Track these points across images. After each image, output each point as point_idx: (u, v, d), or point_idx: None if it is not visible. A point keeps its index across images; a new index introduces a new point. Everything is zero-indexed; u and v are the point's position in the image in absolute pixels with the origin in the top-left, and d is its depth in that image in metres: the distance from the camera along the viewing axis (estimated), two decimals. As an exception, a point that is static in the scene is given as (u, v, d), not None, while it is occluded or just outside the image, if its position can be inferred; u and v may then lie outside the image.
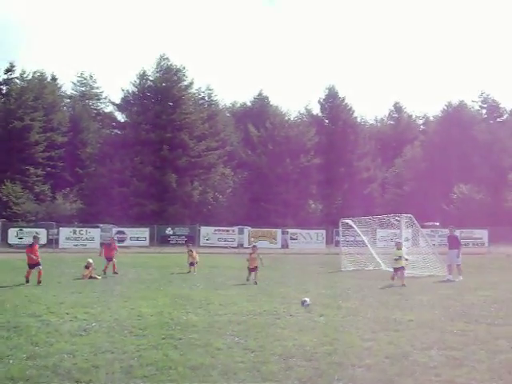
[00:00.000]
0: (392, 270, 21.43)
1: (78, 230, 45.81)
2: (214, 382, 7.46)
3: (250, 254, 22.11)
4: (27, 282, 19.66)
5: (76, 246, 43.38)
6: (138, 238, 45.45)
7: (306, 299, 14.34)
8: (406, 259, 21.96)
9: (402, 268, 20.90)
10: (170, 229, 48.41)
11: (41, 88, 66.42)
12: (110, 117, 73.07)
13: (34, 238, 22.66)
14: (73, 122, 67.61)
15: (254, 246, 23.35)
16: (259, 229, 48.62)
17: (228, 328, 11.24)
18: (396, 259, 21.14)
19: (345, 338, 10.37)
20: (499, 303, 15.14)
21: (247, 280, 20.95)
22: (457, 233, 25.27)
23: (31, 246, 21.08)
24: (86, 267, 22.15)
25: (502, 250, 43.19)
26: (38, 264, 20.17)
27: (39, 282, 19.45)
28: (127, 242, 45.09)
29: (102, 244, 22.44)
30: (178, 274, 23.81)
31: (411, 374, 7.84)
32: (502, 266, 29.66)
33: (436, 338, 10.31)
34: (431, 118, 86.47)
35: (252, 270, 21.38)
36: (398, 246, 21.67)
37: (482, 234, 49.12)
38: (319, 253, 42.39)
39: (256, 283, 20.21)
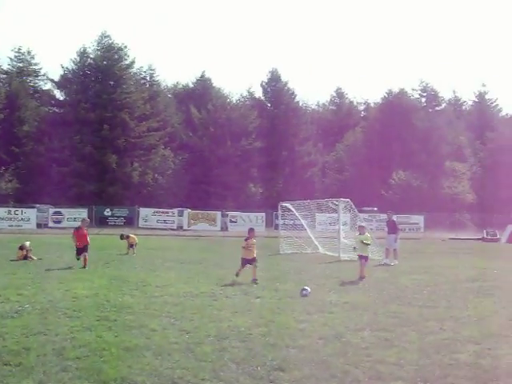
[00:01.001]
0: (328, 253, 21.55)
1: (13, 210, 44.74)
2: (148, 363, 7.42)
3: (246, 239, 16.99)
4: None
5: (11, 226, 42.41)
6: (75, 219, 44.54)
7: (307, 288, 13.65)
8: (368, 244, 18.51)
9: (366, 257, 17.96)
10: (108, 210, 47.81)
11: (-25, 63, 64.28)
12: (48, 94, 71.09)
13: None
14: (9, 98, 65.39)
15: (251, 229, 17.96)
16: (199, 211, 48.52)
17: (164, 309, 11.20)
18: (359, 246, 18.23)
19: (280, 319, 10.47)
20: (432, 286, 15.57)
21: (236, 276, 16.19)
22: (395, 218, 25.71)
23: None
24: (20, 248, 21.68)
25: (438, 235, 44.48)
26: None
27: None
28: (64, 223, 44.30)
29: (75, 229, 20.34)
30: (116, 256, 23.55)
31: (344, 355, 7.99)
32: (437, 251, 30.48)
33: (369, 320, 10.53)
34: (372, 105, 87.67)
35: (248, 261, 16.52)
36: (362, 231, 18.81)
37: (419, 219, 50.39)
38: (258, 236, 42.11)
39: (256, 282, 15.54)
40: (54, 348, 8.07)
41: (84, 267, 18.44)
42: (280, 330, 9.56)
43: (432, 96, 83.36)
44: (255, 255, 16.71)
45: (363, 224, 20.85)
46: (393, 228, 24.07)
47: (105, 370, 7.02)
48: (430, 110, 79.55)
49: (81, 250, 19.25)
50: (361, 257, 17.85)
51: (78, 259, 19.07)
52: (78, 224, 21.84)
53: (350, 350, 8.24)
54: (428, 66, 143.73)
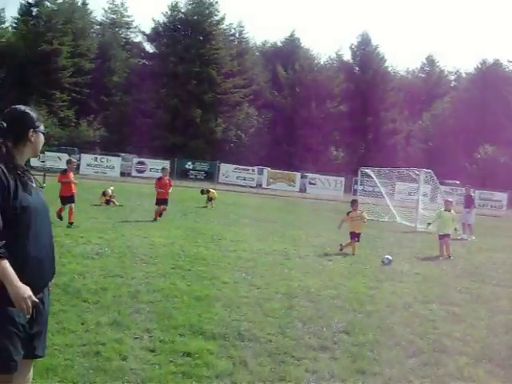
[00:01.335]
0: (406, 223, 21.14)
1: (99, 157, 46.26)
2: (217, 313, 7.67)
3: (349, 213, 15.83)
4: (60, 219, 15.82)
5: (96, 173, 43.88)
6: (157, 170, 45.56)
7: (389, 257, 13.43)
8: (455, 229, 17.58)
9: (447, 236, 16.28)
10: (190, 163, 48.73)
11: (71, 12, 65.57)
12: (138, 47, 72.48)
13: (69, 162, 17.59)
14: (101, 49, 67.07)
15: (355, 200, 16.64)
16: (279, 171, 48.70)
17: (236, 264, 11.46)
18: (442, 222, 16.76)
19: (350, 284, 10.53)
20: (508, 266, 15.19)
21: (341, 250, 14.77)
22: (472, 193, 25.08)
23: (65, 172, 16.81)
24: (103, 194, 22.52)
25: (521, 214, 43.07)
26: (71, 197, 16.27)
27: (71, 223, 15.43)
28: (147, 173, 45.52)
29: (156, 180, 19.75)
30: (194, 208, 24.08)
31: (410, 325, 7.98)
32: (518, 230, 29.56)
33: (439, 293, 10.43)
34: (463, 75, 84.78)
35: (355, 235, 15.21)
36: (447, 207, 17.06)
37: (502, 197, 48.90)
38: (336, 200, 42.51)
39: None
40: (129, 290, 8.44)
41: (159, 217, 18.51)
42: (349, 294, 9.63)
43: (528, 69, 79.72)
44: (360, 231, 15.46)
45: (450, 199, 19.14)
46: (469, 203, 23.57)
47: (175, 316, 7.31)
48: (525, 85, 76.19)
49: (160, 201, 18.90)
50: (445, 235, 16.16)
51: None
52: (159, 174, 21.65)
53: (416, 321, 8.23)
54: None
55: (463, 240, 21.51)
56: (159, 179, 19.65)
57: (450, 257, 15.56)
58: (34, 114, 3.74)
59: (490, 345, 7.39)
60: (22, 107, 3.76)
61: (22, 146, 3.65)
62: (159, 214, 18.81)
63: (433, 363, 6.47)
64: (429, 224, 17.95)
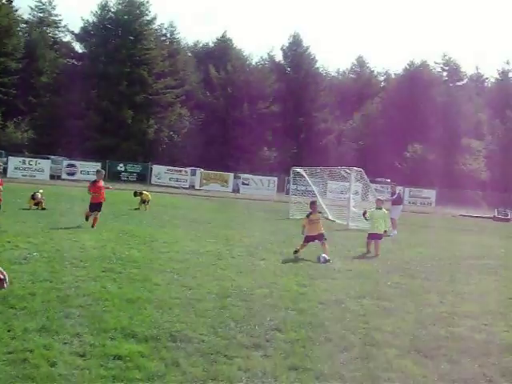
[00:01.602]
0: (338, 221, 21.40)
1: (27, 160, 44.95)
2: (149, 315, 7.58)
3: (309, 215, 15.10)
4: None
5: (25, 176, 42.61)
6: (88, 172, 44.77)
7: (325, 256, 13.55)
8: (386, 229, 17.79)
9: (378, 236, 16.33)
10: (122, 165, 48.02)
11: (-5, 10, 63.60)
12: (67, 46, 70.86)
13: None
14: (28, 48, 65.21)
15: (313, 202, 16.06)
16: (212, 171, 48.61)
17: (168, 265, 11.37)
18: (372, 221, 16.83)
19: (282, 282, 10.61)
20: (436, 261, 15.60)
21: (295, 253, 14.19)
22: (399, 190, 25.71)
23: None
24: (32, 197, 21.91)
25: (449, 211, 44.33)
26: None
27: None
28: (77, 176, 44.62)
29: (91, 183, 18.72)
30: (127, 211, 23.77)
31: (341, 320, 8.11)
32: (446, 226, 30.42)
33: (370, 289, 10.63)
34: (393, 76, 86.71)
35: (314, 238, 14.65)
36: (379, 205, 17.39)
37: (431, 194, 50.26)
38: (270, 199, 42.84)
39: (327, 261, 13.53)
40: (58, 295, 8.25)
41: (92, 227, 16.91)
42: (281, 292, 9.70)
43: (454, 70, 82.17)
44: (322, 230, 14.83)
45: (382, 197, 19.89)
46: (398, 200, 24.17)
47: (106, 320, 7.19)
48: (451, 85, 78.53)
49: (94, 206, 17.70)
50: (376, 235, 16.25)
51: (87, 220, 17.40)
52: (93, 177, 21.05)
53: (348, 316, 8.36)
54: (452, 40, 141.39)
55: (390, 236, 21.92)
56: (94, 182, 18.44)
57: (377, 255, 15.64)
58: None
59: (418, 337, 7.60)
60: None
61: None
62: (90, 220, 17.45)
63: (364, 357, 6.60)
64: (366, 219, 17.78)
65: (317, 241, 14.58)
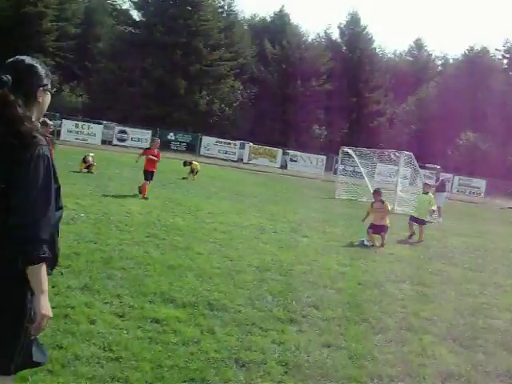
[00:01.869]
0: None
1: (80, 124, 45.72)
2: (188, 282, 7.71)
3: (372, 203, 14.85)
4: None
5: (77, 139, 43.40)
6: (139, 140, 45.43)
7: (367, 243, 13.24)
8: (433, 210, 17.10)
9: (421, 221, 15.97)
10: (172, 134, 48.37)
11: (56, -24, 64.47)
12: (125, 14, 71.28)
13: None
14: (87, 14, 66.11)
15: (376, 190, 15.60)
16: (261, 146, 48.61)
17: (211, 235, 11.51)
18: (421, 207, 16.58)
19: (323, 260, 10.63)
20: (481, 251, 15.38)
21: (371, 245, 13.39)
22: (443, 177, 25.33)
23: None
24: (84, 160, 22.35)
25: (498, 202, 43.44)
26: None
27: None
28: (128, 142, 45.25)
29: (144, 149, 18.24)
30: (174, 179, 24.04)
31: (379, 303, 8.10)
32: (494, 218, 29.85)
33: (411, 273, 10.57)
34: (451, 61, 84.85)
35: (374, 228, 13.86)
36: (426, 189, 17.33)
37: (481, 183, 49.28)
38: (317, 178, 42.71)
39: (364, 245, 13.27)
40: (102, 256, 8.44)
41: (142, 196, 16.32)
42: (321, 270, 9.72)
43: (515, 59, 79.93)
44: (385, 222, 14.05)
45: (429, 182, 19.71)
46: (443, 187, 23.81)
47: (146, 283, 7.35)
48: (511, 73, 76.44)
49: (148, 174, 17.01)
50: (416, 219, 16.02)
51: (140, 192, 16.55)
52: (144, 145, 20.90)
53: (386, 299, 8.34)
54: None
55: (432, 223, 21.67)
56: (147, 150, 17.91)
57: (421, 241, 15.43)
58: (42, 69, 3.19)
59: (455, 325, 7.53)
60: (30, 59, 3.18)
61: (30, 107, 3.06)
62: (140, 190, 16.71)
63: (398, 340, 6.59)
64: (433, 211, 17.11)
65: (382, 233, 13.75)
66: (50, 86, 3.26)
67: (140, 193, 16.49)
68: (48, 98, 3.27)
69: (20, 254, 2.77)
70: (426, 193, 17.06)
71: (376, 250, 12.93)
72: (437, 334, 7.01)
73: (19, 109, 2.92)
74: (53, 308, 5.82)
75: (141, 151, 18.74)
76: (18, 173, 2.86)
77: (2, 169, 2.86)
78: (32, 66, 3.14)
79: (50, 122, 18.76)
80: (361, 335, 6.57)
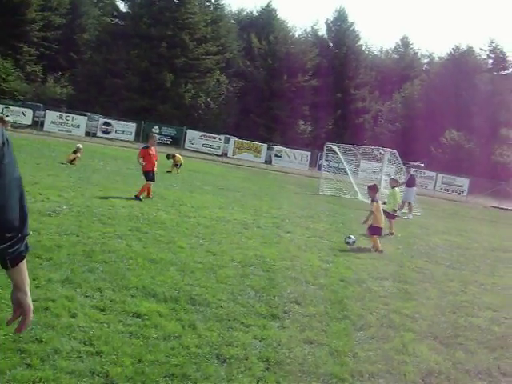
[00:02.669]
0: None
1: (64, 115, 45.34)
2: (171, 276, 7.67)
3: (376, 201, 13.25)
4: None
5: (61, 131, 43.06)
6: (123, 132, 45.27)
7: (352, 236, 12.75)
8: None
9: (392, 215, 16.28)
10: (156, 127, 48.22)
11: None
12: (112, 5, 70.87)
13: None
14: (73, 4, 65.59)
15: (374, 186, 13.82)
16: (245, 140, 48.55)
17: (194, 230, 11.47)
18: (390, 200, 16.70)
19: (306, 256, 10.63)
20: (463, 249, 15.47)
21: (378, 251, 12.51)
22: (414, 172, 25.56)
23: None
24: (74, 152, 22.17)
25: (481, 201, 43.76)
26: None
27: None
28: (112, 135, 45.02)
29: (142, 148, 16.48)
30: (158, 173, 23.87)
31: (361, 299, 8.11)
32: (476, 216, 30.07)
33: (393, 271, 10.60)
34: (436, 59, 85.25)
35: (373, 231, 12.97)
36: (392, 184, 17.80)
37: (464, 182, 49.49)
38: (301, 174, 42.77)
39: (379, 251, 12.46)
40: (84, 249, 8.38)
41: (148, 195, 15.54)
42: (304, 266, 9.72)
43: (500, 59, 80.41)
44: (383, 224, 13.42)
45: (396, 177, 20.56)
46: (412, 182, 23.96)
47: (128, 277, 7.30)
48: (496, 74, 76.90)
49: (150, 174, 15.88)
50: (391, 214, 16.02)
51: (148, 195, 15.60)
52: (129, 138, 19.92)
53: (368, 296, 8.36)
54: (500, 27, 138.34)
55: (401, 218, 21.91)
56: (145, 149, 16.21)
57: (391, 233, 15.67)
58: None
59: (436, 323, 7.56)
60: None
61: None
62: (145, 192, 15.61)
63: (379, 337, 6.60)
64: (385, 202, 16.88)
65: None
66: None
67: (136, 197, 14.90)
68: None
69: (4, 258, 2.58)
70: (393, 187, 17.31)
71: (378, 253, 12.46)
72: (418, 332, 7.03)
73: None
74: (33, 301, 5.75)
75: (138, 152, 16.70)
76: None
77: None
78: None
79: (8, 119, 18.13)
80: (342, 332, 6.58)
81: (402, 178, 24.52)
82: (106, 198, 14.02)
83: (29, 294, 2.72)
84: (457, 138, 64.76)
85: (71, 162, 21.73)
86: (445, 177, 49.82)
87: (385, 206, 16.09)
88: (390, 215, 16.03)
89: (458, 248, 15.58)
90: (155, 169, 16.24)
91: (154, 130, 47.50)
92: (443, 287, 9.93)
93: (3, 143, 2.50)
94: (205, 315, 6.38)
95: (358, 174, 34.40)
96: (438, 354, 6.36)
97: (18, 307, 2.72)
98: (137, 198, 14.81)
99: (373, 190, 13.46)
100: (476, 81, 69.36)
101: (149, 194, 15.60)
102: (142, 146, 17.04)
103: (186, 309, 6.49)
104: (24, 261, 2.66)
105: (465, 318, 8.01)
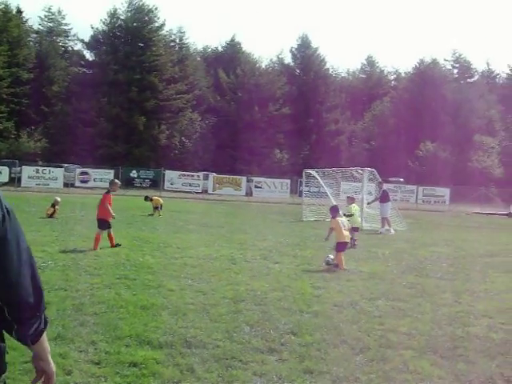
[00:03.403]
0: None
1: (41, 169, 45.25)
2: (163, 321, 7.59)
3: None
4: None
5: (38, 185, 42.91)
6: (102, 180, 45.03)
7: (330, 256, 12.93)
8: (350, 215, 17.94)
9: (357, 228, 18.01)
10: (134, 171, 48.17)
11: (5, 21, 63.25)
12: (78, 55, 71.23)
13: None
14: (39, 58, 65.65)
15: (334, 207, 14.75)
16: (224, 175, 48.64)
17: (182, 271, 11.39)
18: (347, 216, 17.14)
19: (296, 285, 10.59)
20: (451, 259, 15.53)
21: (341, 268, 12.72)
22: (385, 187, 25.83)
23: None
24: (53, 205, 22.05)
25: (463, 208, 44.08)
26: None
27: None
28: (91, 183, 44.87)
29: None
30: (140, 217, 23.84)
31: (356, 322, 8.07)
32: (461, 224, 30.28)
33: (385, 289, 10.58)
34: (403, 75, 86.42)
35: (343, 247, 13.31)
36: (350, 201, 19.07)
37: (444, 192, 49.97)
38: (283, 202, 42.79)
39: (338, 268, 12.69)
40: (73, 303, 8.28)
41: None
42: (295, 295, 9.68)
43: (465, 67, 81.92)
44: (348, 239, 13.76)
45: (352, 195, 21.65)
46: (384, 197, 24.13)
47: (120, 327, 7.20)
48: (462, 82, 78.20)
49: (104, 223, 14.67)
50: (355, 228, 17.24)
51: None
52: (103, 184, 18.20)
53: (363, 318, 8.33)
54: (462, 37, 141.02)
55: (381, 234, 22.12)
56: (108, 193, 15.30)
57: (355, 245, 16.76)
58: None
59: (434, 337, 7.54)
60: None
61: None
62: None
63: (379, 358, 6.56)
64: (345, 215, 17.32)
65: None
66: None
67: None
68: None
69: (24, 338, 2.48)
70: (351, 204, 18.95)
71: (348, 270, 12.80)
72: (417, 348, 7.00)
73: None
74: (25, 363, 5.71)
75: (104, 197, 15.15)
76: None
77: None
78: None
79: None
80: (341, 357, 6.53)
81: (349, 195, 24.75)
82: (91, 248, 13.88)
83: (51, 361, 2.62)
84: (432, 150, 65.44)
85: (51, 215, 21.58)
86: (425, 189, 50.30)
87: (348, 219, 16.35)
88: (354, 228, 16.99)
89: (446, 259, 15.63)
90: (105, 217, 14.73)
91: (132, 174, 47.53)
92: (437, 300, 9.93)
93: (3, 216, 2.35)
94: (202, 357, 6.30)
95: (340, 195, 34.47)
96: (440, 368, 6.33)
97: (41, 373, 2.62)
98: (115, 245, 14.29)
99: (332, 210, 14.26)
100: (444, 91, 70.40)
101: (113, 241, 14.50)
102: (105, 191, 15.77)
103: (183, 353, 6.41)
104: (44, 333, 2.55)
105: (462, 329, 8.00)
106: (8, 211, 2.36)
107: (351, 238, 15.28)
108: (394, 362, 6.47)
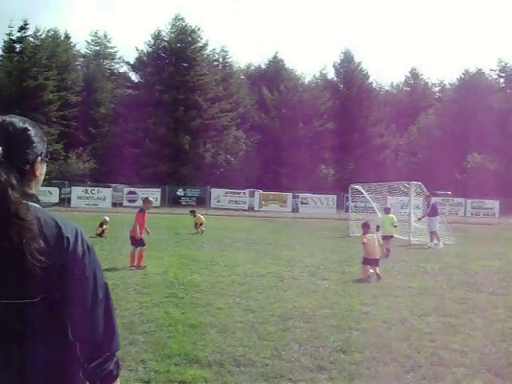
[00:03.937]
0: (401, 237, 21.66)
1: (89, 189, 46.09)
2: (212, 340, 7.62)
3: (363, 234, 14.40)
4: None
5: (87, 205, 43.69)
6: (149, 199, 45.56)
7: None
8: (395, 226, 20.52)
9: (389, 237, 19.19)
10: (181, 190, 48.69)
11: (54, 46, 65.54)
12: (124, 77, 72.74)
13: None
14: (86, 81, 67.34)
15: (366, 223, 14.92)
16: (270, 192, 48.69)
17: (230, 289, 11.42)
18: (382, 226, 19.25)
19: (345, 302, 10.50)
20: (503, 273, 15.19)
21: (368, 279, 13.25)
22: (433, 201, 25.40)
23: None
24: (101, 224, 22.47)
25: (513, 220, 43.08)
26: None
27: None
28: (138, 203, 45.31)
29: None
30: (187, 235, 24.02)
31: (406, 339, 7.95)
32: (511, 237, 29.59)
33: (435, 305, 10.41)
34: (447, 86, 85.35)
35: (370, 262, 13.60)
36: (386, 212, 21.20)
37: (494, 204, 48.95)
38: (329, 218, 42.49)
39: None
40: (123, 322, 8.36)
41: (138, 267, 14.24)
42: (344, 312, 9.60)
43: (511, 76, 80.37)
44: (377, 257, 13.79)
45: (389, 206, 22.79)
46: (434, 211, 23.77)
47: (170, 345, 7.26)
48: (509, 91, 76.76)
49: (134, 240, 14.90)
50: (386, 236, 18.29)
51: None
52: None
53: (413, 335, 8.20)
54: (507, 45, 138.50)
55: (430, 248, 21.83)
56: (142, 212, 15.27)
57: (388, 251, 17.82)
58: (37, 133, 2.39)
59: (487, 354, 7.37)
60: (21, 121, 2.37)
61: (27, 184, 2.30)
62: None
63: (431, 377, 6.45)
64: (378, 227, 18.48)
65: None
66: (45, 153, 2.43)
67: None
68: (45, 169, 2.46)
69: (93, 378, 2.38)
70: (387, 213, 20.73)
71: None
72: (470, 366, 6.85)
73: (14, 193, 2.13)
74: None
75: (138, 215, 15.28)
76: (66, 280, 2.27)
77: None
78: (25, 130, 2.33)
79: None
80: (392, 376, 6.44)
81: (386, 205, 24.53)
82: (140, 266, 14.06)
83: None
84: (480, 161, 64.24)
85: (100, 234, 21.97)
86: (474, 201, 49.35)
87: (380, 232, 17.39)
88: (387, 237, 18.52)
89: (497, 273, 15.30)
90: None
91: (178, 192, 48.03)
92: (489, 315, 9.71)
93: (83, 252, 2.31)
94: (251, 375, 6.30)
95: (387, 210, 34.12)
96: (494, 386, 6.19)
97: None
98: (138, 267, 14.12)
99: (364, 226, 14.70)
100: (490, 101, 69.23)
101: (139, 261, 14.43)
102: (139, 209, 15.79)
103: (231, 371, 6.42)
104: (117, 380, 2.45)
105: (516, 346, 7.81)
106: (88, 247, 2.35)
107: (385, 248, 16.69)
108: (446, 380, 6.35)
